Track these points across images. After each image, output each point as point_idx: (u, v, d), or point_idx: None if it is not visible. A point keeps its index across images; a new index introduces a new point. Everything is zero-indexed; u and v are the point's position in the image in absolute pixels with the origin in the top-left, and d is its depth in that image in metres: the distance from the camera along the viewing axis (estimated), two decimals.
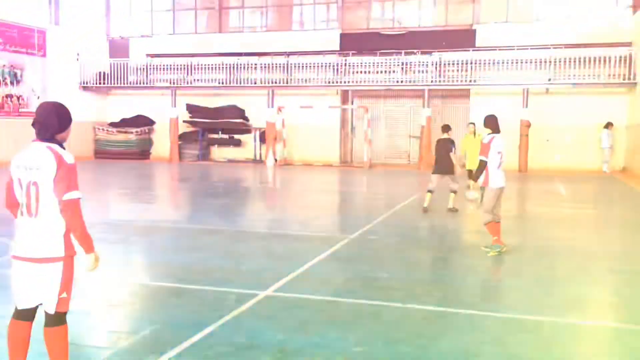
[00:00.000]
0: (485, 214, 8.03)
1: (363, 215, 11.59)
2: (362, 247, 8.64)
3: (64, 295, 3.60)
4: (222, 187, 17.73)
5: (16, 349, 3.62)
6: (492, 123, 8.21)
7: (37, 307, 3.65)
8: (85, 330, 4.93)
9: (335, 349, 4.53)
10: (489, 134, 8.16)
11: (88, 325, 5.09)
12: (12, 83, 22.84)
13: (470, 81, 23.12)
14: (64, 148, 3.62)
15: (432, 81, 23.30)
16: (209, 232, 9.76)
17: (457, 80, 23.26)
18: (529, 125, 22.16)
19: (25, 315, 3.63)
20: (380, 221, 10.74)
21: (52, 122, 3.60)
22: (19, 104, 23.14)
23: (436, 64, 23.42)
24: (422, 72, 23.62)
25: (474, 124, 14.32)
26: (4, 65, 22.38)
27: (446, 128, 11.94)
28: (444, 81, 23.32)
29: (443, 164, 11.57)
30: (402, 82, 23.70)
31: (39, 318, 3.66)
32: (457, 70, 23.36)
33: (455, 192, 11.69)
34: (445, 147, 11.56)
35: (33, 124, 3.59)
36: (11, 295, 3.91)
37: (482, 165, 7.94)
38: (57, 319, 3.60)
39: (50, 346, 3.61)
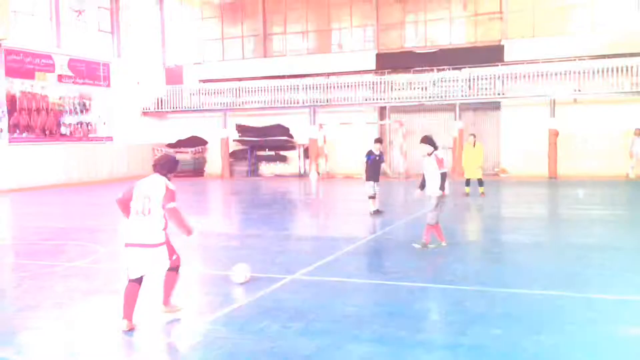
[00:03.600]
0: (435, 217, 9.31)
1: (387, 220, 13.21)
2: (375, 244, 10.37)
3: (174, 257, 5.97)
4: (267, 200, 19.71)
5: (130, 302, 5.78)
6: (431, 141, 9.39)
7: (143, 275, 5.87)
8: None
9: (335, 309, 6.29)
10: (432, 152, 9.28)
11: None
12: (81, 112, 25.62)
13: (500, 94, 24.42)
14: (169, 180, 5.97)
15: (463, 95, 24.75)
16: (253, 236, 11.67)
17: (487, 94, 24.59)
18: (557, 134, 23.29)
19: (139, 280, 5.85)
20: (401, 224, 12.40)
21: (168, 166, 6.00)
22: (88, 130, 25.90)
23: (467, 79, 24.86)
24: (454, 87, 25.10)
25: (474, 135, 16.24)
26: (74, 97, 25.18)
27: (376, 141, 13.66)
28: (474, 95, 24.71)
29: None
30: (435, 97, 25.24)
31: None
32: (487, 84, 24.71)
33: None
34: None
35: (154, 165, 6.02)
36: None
37: (444, 177, 9.19)
38: (173, 269, 6.02)
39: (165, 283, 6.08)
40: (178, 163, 6.22)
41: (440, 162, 9.19)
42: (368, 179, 13.44)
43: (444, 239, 9.50)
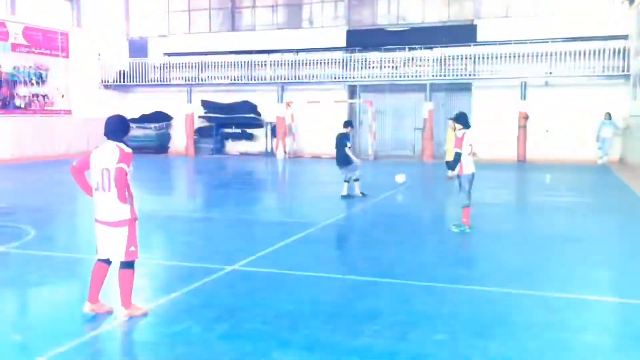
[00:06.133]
0: (464, 199, 9.20)
1: (344, 205, 12.63)
2: (330, 231, 9.79)
3: (132, 249, 5.42)
4: (228, 179, 19.00)
5: (94, 282, 5.44)
6: (462, 120, 9.34)
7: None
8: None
9: (270, 307, 5.69)
10: (461, 129, 9.28)
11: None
12: (37, 83, 24.42)
13: (471, 75, 23.91)
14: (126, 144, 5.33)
15: (434, 75, 24.18)
16: (202, 219, 11.01)
17: (458, 74, 24.07)
18: (526, 117, 22.93)
19: (107, 260, 5.50)
20: (361, 209, 11.84)
21: (121, 129, 5.38)
22: (45, 103, 24.74)
23: (438, 59, 24.28)
24: (425, 66, 24.51)
25: (453, 119, 15.70)
26: (30, 67, 23.96)
27: (346, 124, 13.03)
28: (445, 75, 24.15)
29: (338, 157, 12.80)
30: (405, 76, 24.64)
31: None
32: (459, 65, 24.18)
33: (348, 181, 12.85)
34: (340, 141, 12.70)
35: (105, 133, 5.31)
36: None
37: (457, 157, 9.07)
38: (128, 265, 5.46)
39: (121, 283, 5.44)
40: (128, 122, 5.55)
41: (457, 140, 9.12)
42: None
43: (468, 224, 9.26)
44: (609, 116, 21.70)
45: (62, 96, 25.51)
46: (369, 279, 6.71)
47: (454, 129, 15.87)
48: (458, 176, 9.31)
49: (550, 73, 23.01)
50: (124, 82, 28.25)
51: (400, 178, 14.45)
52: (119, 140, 5.31)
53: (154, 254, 8.15)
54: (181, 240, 9.04)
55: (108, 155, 5.22)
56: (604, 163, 21.38)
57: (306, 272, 7.03)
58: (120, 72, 28.28)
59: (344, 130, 12.96)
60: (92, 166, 5.30)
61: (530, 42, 23.39)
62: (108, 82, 28.12)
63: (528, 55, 23.19)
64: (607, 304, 6.11)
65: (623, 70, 21.75)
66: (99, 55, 27.57)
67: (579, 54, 22.43)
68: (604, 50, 22.07)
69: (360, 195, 12.89)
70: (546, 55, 22.94)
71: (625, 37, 22.07)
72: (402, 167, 21.39)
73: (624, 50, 21.70)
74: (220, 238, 9.17)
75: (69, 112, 25.84)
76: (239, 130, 27.63)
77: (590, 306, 5.98)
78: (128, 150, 5.28)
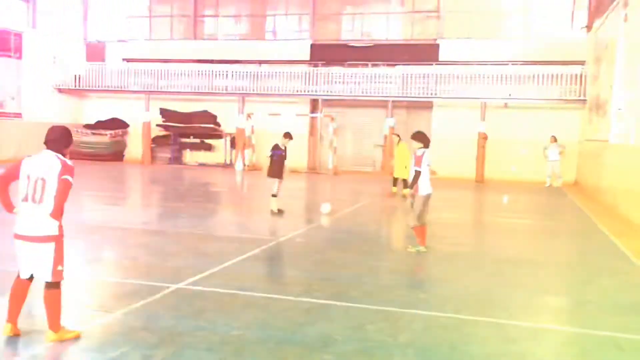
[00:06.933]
0: (413, 219, 9.00)
1: (301, 220, 12.36)
2: (285, 249, 9.45)
3: (59, 268, 4.92)
4: (184, 191, 18.48)
5: (14, 303, 4.99)
6: (422, 138, 9.11)
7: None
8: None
9: (216, 332, 5.31)
10: (420, 148, 9.05)
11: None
12: None
13: (432, 94, 24.01)
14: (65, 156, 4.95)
15: (396, 93, 24.19)
16: (152, 232, 10.53)
17: (419, 93, 24.13)
18: (485, 138, 23.12)
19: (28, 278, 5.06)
20: (319, 225, 11.55)
21: (64, 141, 4.98)
22: None
23: (400, 76, 24.32)
24: (387, 83, 24.51)
25: (398, 135, 16.24)
26: None
27: (286, 135, 12.67)
28: (407, 93, 24.19)
29: (270, 168, 12.49)
30: (367, 92, 24.58)
31: None
32: (421, 83, 24.26)
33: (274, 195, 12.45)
34: (272, 152, 12.44)
35: (46, 142, 4.90)
36: None
37: (417, 176, 8.83)
38: (53, 286, 4.96)
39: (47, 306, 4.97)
40: (71, 135, 5.15)
41: (417, 159, 8.90)
42: (272, 175, 12.49)
43: (424, 244, 9.06)
44: (554, 139, 22.02)
45: (13, 98, 24.54)
46: (323, 301, 6.40)
47: (397, 143, 16.32)
48: (412, 195, 9.11)
49: (510, 95, 23.29)
50: (79, 86, 27.41)
51: (325, 208, 12.87)
52: (59, 152, 4.93)
53: (94, 269, 7.67)
54: (126, 255, 8.57)
55: (46, 165, 4.81)
56: (558, 185, 21.65)
57: (257, 292, 6.67)
58: (76, 76, 27.42)
59: (279, 141, 12.63)
60: (22, 175, 4.83)
61: (491, 64, 23.67)
62: (62, 86, 27.21)
63: (488, 77, 23.45)
64: (566, 334, 5.95)
65: (580, 95, 22.18)
66: (54, 57, 26.68)
67: (538, 78, 22.79)
68: (561, 75, 22.49)
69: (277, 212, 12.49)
70: (506, 77, 23.23)
71: (582, 62, 22.54)
72: (362, 183, 21.29)
73: (581, 75, 22.15)
74: (169, 253, 8.72)
75: (19, 115, 24.86)
76: (197, 141, 27.11)
77: (548, 336, 5.80)
78: (70, 162, 4.92)
